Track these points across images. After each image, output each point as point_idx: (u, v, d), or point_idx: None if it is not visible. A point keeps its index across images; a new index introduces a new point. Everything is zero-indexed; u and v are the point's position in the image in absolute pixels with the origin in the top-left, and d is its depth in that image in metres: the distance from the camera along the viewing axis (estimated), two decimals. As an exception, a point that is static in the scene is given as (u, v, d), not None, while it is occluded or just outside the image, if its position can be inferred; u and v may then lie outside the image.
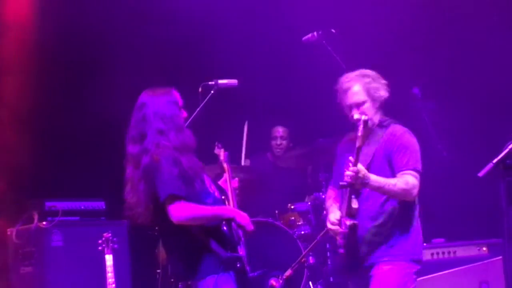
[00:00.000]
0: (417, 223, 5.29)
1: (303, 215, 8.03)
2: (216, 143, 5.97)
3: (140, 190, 4.91)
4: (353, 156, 4.97)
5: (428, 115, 7.21)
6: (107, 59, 8.32)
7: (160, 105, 4.99)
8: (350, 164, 4.97)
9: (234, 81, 6.40)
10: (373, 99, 5.25)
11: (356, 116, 5.04)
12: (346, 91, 5.27)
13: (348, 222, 5.11)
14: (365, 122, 4.99)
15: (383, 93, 5.28)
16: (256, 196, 8.18)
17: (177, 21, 8.48)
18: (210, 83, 6.26)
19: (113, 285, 6.58)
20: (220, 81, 6.30)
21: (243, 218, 5.03)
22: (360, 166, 4.95)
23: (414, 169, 5.16)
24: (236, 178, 5.64)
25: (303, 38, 6.92)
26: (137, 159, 4.93)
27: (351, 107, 5.26)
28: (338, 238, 5.26)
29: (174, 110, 5.03)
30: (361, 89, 5.25)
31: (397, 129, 5.29)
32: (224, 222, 5.00)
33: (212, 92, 6.23)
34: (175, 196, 4.82)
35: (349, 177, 4.95)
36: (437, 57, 8.30)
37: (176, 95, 5.11)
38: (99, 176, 8.07)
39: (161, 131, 4.94)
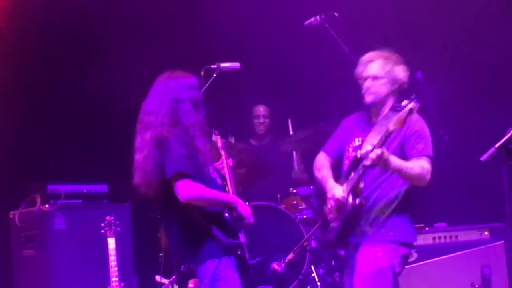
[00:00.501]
0: (411, 207, 5.31)
1: (305, 199, 8.03)
2: (213, 130, 5.93)
3: (154, 154, 4.89)
4: (381, 137, 4.96)
5: (430, 99, 7.19)
6: (108, 40, 8.30)
7: (179, 86, 5.02)
8: (369, 146, 4.99)
9: (236, 64, 6.36)
10: (391, 78, 5.29)
11: (404, 103, 4.95)
12: (367, 63, 5.32)
13: (357, 201, 5.16)
14: (411, 110, 4.90)
15: (403, 76, 5.32)
16: (257, 180, 8.17)
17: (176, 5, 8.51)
18: (212, 66, 6.22)
19: (116, 268, 6.60)
20: (223, 65, 6.26)
21: (245, 209, 5.05)
22: (384, 149, 4.96)
23: (428, 155, 5.21)
24: (230, 159, 5.63)
25: (305, 22, 6.87)
26: (153, 128, 4.93)
27: (366, 79, 5.29)
28: (335, 211, 5.28)
29: (192, 92, 5.06)
30: (382, 65, 5.29)
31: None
32: (226, 209, 5.01)
33: (214, 75, 6.21)
34: (182, 174, 4.83)
35: (373, 158, 4.95)
36: (440, 41, 8.27)
37: (194, 78, 5.14)
38: (102, 159, 8.08)
39: (178, 111, 4.96)
